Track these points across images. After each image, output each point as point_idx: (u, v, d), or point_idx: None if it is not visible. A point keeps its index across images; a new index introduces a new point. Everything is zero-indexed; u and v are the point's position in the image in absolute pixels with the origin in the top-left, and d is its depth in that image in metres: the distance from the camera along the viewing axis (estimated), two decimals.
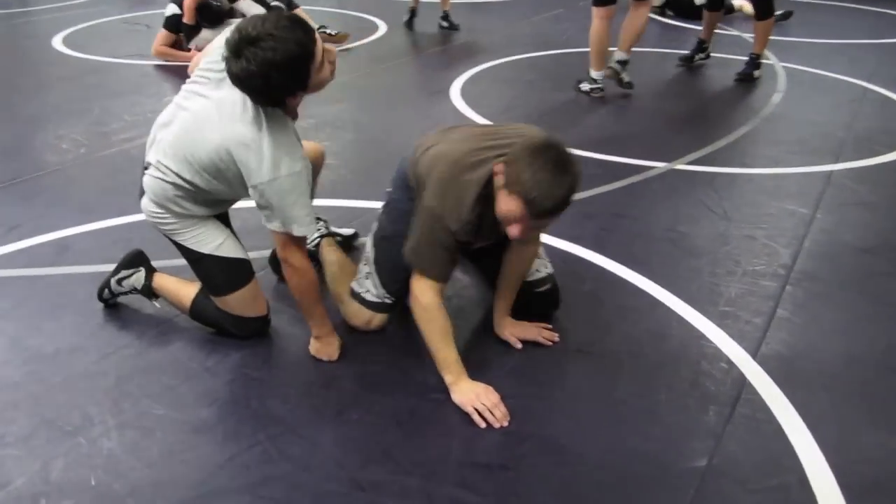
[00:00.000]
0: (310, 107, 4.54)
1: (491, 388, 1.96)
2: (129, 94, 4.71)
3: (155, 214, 2.10)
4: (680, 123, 4.33)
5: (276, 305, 2.35)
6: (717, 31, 5.64)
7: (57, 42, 6.14)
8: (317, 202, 2.69)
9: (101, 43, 6.06)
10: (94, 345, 2.22)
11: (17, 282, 2.57)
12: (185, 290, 2.25)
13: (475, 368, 2.04)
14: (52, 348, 2.21)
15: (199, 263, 2.14)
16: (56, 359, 2.16)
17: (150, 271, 2.34)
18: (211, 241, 2.10)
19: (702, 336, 2.28)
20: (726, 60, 5.70)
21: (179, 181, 2.00)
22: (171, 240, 2.15)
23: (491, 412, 1.90)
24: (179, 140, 1.97)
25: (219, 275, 2.13)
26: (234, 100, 1.88)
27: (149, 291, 2.31)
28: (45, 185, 3.36)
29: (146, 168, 2.09)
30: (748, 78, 5.11)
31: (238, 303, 2.15)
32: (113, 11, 7.46)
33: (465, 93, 4.79)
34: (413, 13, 6.85)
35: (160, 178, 2.03)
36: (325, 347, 2.14)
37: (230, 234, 2.17)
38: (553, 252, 2.76)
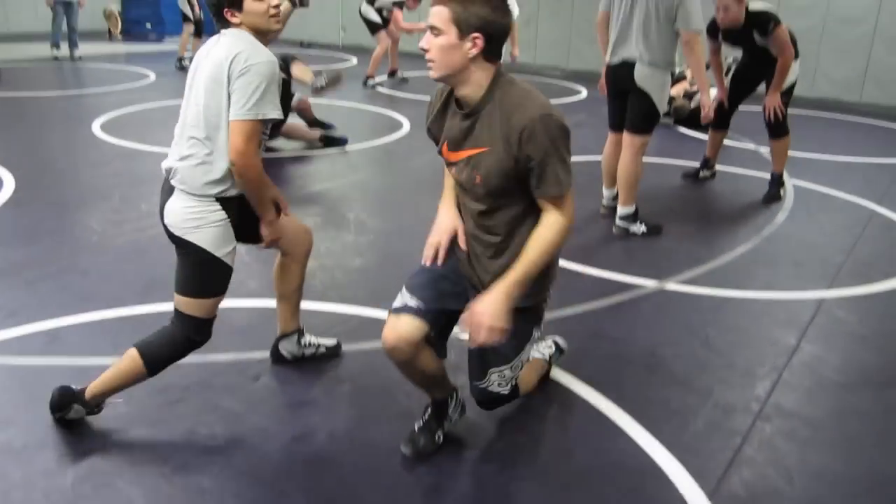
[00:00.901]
0: (319, 205, 4.71)
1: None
2: (150, 183, 4.92)
3: (185, 212, 2.20)
4: (679, 240, 4.36)
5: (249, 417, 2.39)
6: (729, 142, 5.73)
7: (96, 126, 6.49)
8: (305, 305, 2.79)
9: (136, 129, 6.40)
10: (60, 442, 2.28)
11: (4, 370, 2.67)
12: (126, 364, 2.26)
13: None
14: (21, 442, 2.27)
15: (206, 266, 2.23)
16: (22, 454, 2.22)
17: (80, 395, 2.31)
18: (225, 245, 2.25)
19: (660, 472, 2.26)
20: (734, 175, 5.78)
21: (206, 142, 2.18)
22: (184, 245, 2.23)
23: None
24: (198, 107, 2.19)
25: (217, 279, 2.27)
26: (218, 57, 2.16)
27: (92, 408, 2.34)
28: (52, 272, 3.51)
29: (174, 168, 2.22)
30: (775, 198, 5.13)
31: (212, 306, 2.29)
32: (155, 97, 7.90)
33: None
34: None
35: (191, 155, 2.19)
36: (272, 227, 2.38)
37: (235, 246, 2.31)
38: None
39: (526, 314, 2.06)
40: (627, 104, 4.27)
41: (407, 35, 9.51)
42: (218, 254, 2.23)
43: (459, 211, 2.16)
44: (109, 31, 14.19)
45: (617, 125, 4.47)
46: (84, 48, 11.26)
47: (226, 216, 2.23)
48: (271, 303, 2.83)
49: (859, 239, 4.46)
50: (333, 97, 6.66)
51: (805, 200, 5.21)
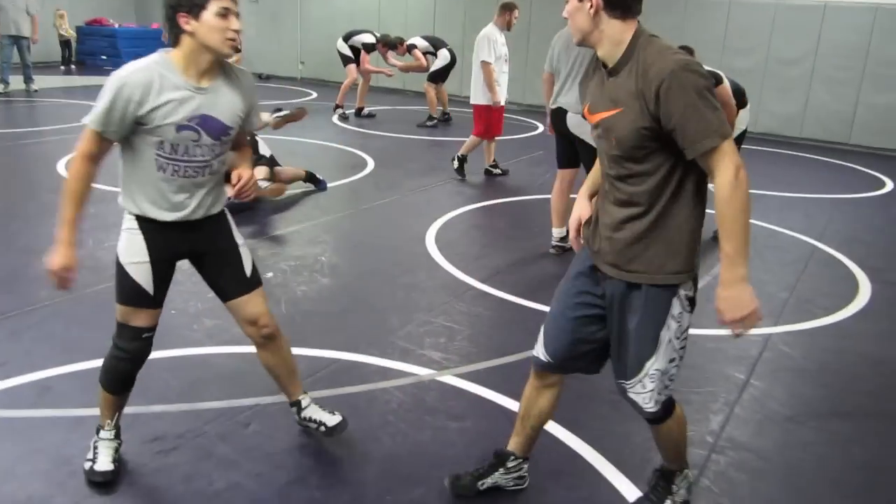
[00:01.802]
0: (292, 248, 4.85)
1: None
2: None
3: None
4: None
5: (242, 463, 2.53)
6: None
7: (61, 166, 6.52)
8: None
9: (104, 167, 6.43)
10: (62, 493, 2.39)
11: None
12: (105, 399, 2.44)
13: None
14: (25, 495, 2.37)
15: (117, 268, 2.33)
16: None
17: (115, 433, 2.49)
18: (130, 255, 2.32)
19: None
20: None
21: None
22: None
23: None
24: None
25: (121, 286, 2.33)
26: None
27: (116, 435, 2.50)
28: (34, 321, 3.59)
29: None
30: None
31: (123, 313, 2.36)
32: None
33: (440, 239, 5.13)
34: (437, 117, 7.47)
35: None
36: (54, 254, 2.21)
37: (147, 264, 2.36)
38: (498, 410, 2.97)
39: (662, 291, 1.96)
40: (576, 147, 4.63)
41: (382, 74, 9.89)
42: (122, 259, 2.29)
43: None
44: (62, 40, 14.17)
45: (564, 163, 4.83)
46: (39, 80, 11.21)
47: (136, 227, 2.31)
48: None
49: (802, 275, 4.79)
50: (300, 130, 6.83)
51: (754, 237, 5.52)
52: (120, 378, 2.41)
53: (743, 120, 5.41)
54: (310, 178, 6.24)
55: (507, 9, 6.71)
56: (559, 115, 4.71)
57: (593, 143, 4.42)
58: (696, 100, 1.74)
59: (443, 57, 9.57)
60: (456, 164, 6.92)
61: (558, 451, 2.75)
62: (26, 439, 2.66)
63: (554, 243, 4.99)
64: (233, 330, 3.50)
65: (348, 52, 9.82)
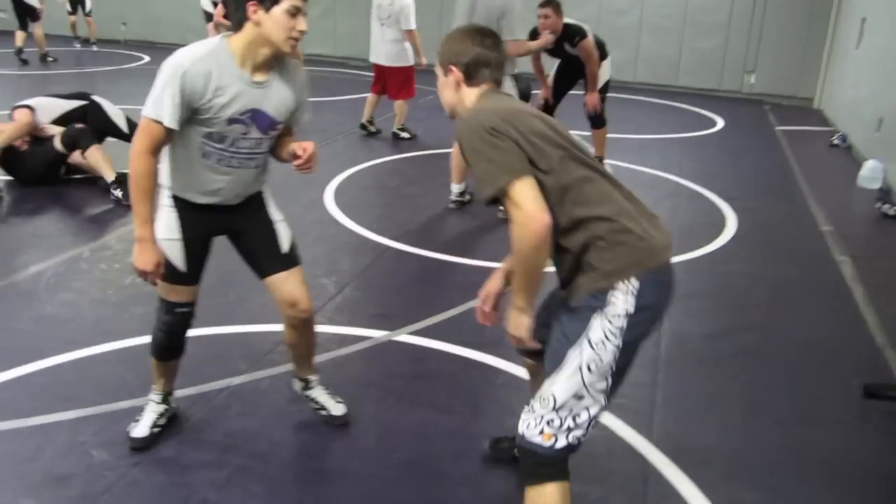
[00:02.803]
0: None
1: None
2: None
3: None
4: None
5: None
6: None
7: None
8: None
9: None
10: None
11: None
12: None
13: None
14: None
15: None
16: None
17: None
18: (164, 231, 2.29)
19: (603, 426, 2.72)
20: None
21: None
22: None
23: None
24: None
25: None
26: None
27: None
28: None
29: None
30: None
31: (163, 290, 2.38)
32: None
33: (340, 202, 5.12)
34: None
35: None
36: (140, 254, 2.17)
37: (180, 241, 2.34)
38: (464, 361, 3.12)
39: (572, 314, 1.78)
40: None
41: None
42: (157, 235, 2.23)
43: None
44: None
45: None
46: None
47: (172, 204, 2.29)
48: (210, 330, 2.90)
49: (677, 209, 5.31)
50: None
51: (623, 178, 6.00)
52: (162, 346, 2.47)
53: (606, 70, 5.80)
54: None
55: None
56: None
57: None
58: (470, 152, 1.77)
59: None
60: (403, 135, 7.03)
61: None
62: None
63: (453, 198, 5.14)
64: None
65: (210, 9, 9.33)
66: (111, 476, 2.35)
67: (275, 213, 2.46)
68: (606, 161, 6.18)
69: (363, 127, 7.17)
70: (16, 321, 3.35)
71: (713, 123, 8.63)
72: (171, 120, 2.07)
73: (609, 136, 6.04)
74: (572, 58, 5.57)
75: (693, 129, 8.25)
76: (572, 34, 5.41)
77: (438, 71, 2.03)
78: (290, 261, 2.45)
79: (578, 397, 1.75)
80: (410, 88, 6.82)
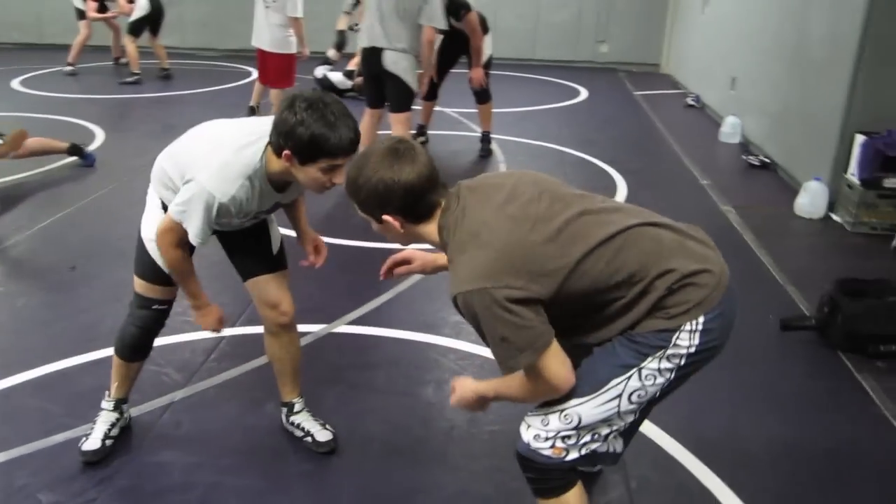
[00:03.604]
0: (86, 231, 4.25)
1: None
2: None
3: None
4: None
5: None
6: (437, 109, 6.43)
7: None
8: None
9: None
10: None
11: None
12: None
13: None
14: None
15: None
16: None
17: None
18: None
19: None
20: (445, 137, 6.54)
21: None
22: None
23: None
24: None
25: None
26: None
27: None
28: None
29: None
30: (489, 152, 6.04)
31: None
32: None
33: None
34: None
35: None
36: (204, 317, 2.25)
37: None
38: (411, 344, 3.08)
39: (629, 345, 1.60)
40: (385, 88, 4.74)
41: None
42: (143, 234, 2.25)
43: None
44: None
45: (373, 103, 4.96)
46: None
47: (161, 206, 2.22)
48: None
49: (567, 175, 5.48)
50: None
51: (510, 150, 6.15)
52: (129, 343, 2.36)
53: (488, 45, 5.86)
54: (73, 150, 5.43)
55: None
56: (374, 55, 4.71)
57: (409, 82, 4.66)
58: (481, 327, 1.55)
59: (140, 6, 8.70)
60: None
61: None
62: None
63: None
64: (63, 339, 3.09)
65: (81, 6, 9.02)
66: None
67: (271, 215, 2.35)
68: (493, 135, 6.27)
69: (252, 111, 6.84)
70: None
71: (577, 93, 8.97)
72: (196, 238, 2.02)
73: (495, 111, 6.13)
74: (455, 34, 5.58)
75: (560, 99, 8.54)
76: (457, 7, 5.41)
77: (366, 217, 1.67)
78: (277, 264, 2.34)
79: (605, 421, 1.63)
80: (290, 77, 6.55)
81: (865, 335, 3.11)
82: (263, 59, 6.52)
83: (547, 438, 1.64)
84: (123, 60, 9.56)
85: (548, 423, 1.64)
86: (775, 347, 3.21)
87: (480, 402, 1.75)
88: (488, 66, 5.88)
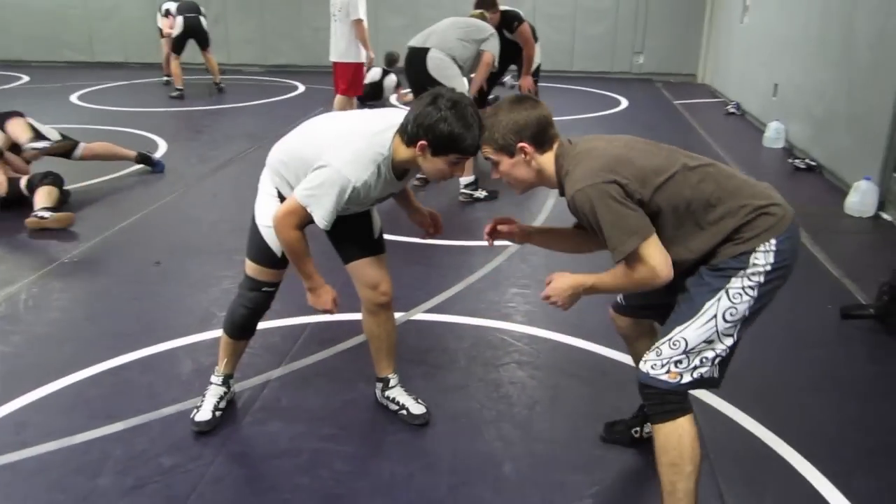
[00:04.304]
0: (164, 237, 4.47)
1: None
2: None
3: None
4: (512, 205, 5.09)
5: None
6: None
7: None
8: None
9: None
10: None
11: None
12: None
13: None
14: None
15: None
16: None
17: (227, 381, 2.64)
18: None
19: None
20: None
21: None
22: None
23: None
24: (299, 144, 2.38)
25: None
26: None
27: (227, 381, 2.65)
28: None
29: None
30: None
31: None
32: None
33: None
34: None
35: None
36: (318, 297, 2.33)
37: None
38: (486, 331, 3.23)
39: (713, 271, 1.86)
40: None
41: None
42: (258, 221, 2.42)
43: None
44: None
45: None
46: None
47: (276, 195, 2.40)
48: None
49: None
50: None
51: None
52: (238, 323, 2.52)
53: (538, 54, 6.04)
54: (142, 158, 5.71)
55: None
56: (418, 57, 4.90)
57: (457, 88, 4.83)
58: (596, 217, 1.82)
59: (176, 24, 9.02)
60: None
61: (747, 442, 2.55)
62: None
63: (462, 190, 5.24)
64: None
65: (161, 24, 9.54)
66: (191, 477, 2.30)
67: None
68: None
69: None
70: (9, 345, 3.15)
71: (617, 102, 9.11)
72: (324, 221, 2.15)
73: None
74: (506, 44, 5.75)
75: (601, 108, 8.69)
76: (510, 20, 5.60)
77: (499, 156, 1.98)
78: (377, 247, 2.51)
79: (709, 342, 1.87)
80: (357, 86, 6.56)
81: None
82: (335, 70, 6.59)
83: (663, 365, 1.89)
84: (167, 77, 9.89)
85: (661, 353, 1.90)
86: (837, 335, 3.31)
87: (574, 296, 1.95)
88: (537, 74, 6.05)
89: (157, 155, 6.24)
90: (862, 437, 2.56)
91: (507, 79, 7.35)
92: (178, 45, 9.11)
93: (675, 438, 1.90)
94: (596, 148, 1.92)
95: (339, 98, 6.60)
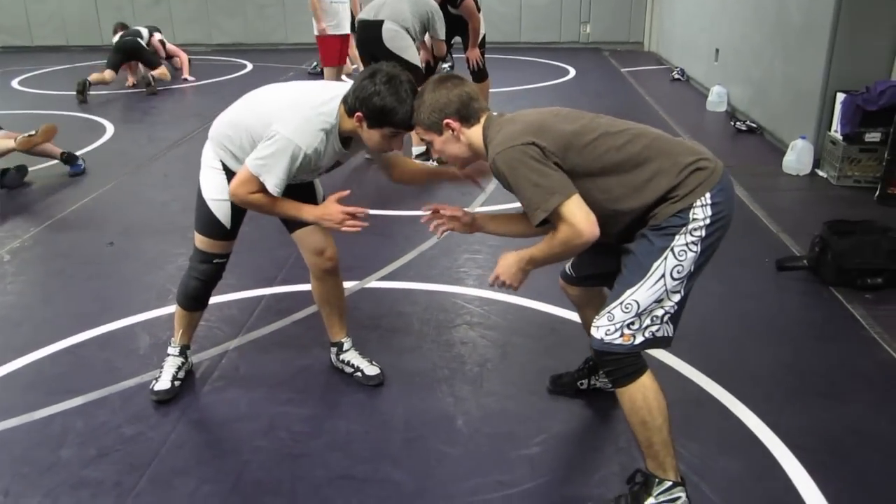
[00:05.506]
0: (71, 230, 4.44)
1: None
2: None
3: None
4: None
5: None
6: None
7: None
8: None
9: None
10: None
11: None
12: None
13: None
14: None
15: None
16: None
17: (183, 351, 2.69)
18: None
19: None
20: None
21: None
22: None
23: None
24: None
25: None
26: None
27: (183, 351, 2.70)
28: None
29: None
30: None
31: None
32: None
33: None
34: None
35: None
36: (328, 216, 2.25)
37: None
38: (438, 295, 3.32)
39: (656, 231, 1.90)
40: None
41: None
42: (205, 195, 2.47)
43: None
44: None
45: None
46: None
47: (221, 168, 2.44)
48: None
49: None
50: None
51: None
52: (192, 294, 2.58)
53: (482, 25, 6.09)
54: (67, 158, 5.30)
55: None
56: (372, 30, 4.93)
57: (410, 59, 4.90)
58: (514, 180, 1.89)
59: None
60: None
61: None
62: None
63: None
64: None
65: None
66: (153, 444, 2.36)
67: None
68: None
69: None
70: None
71: (565, 72, 9.23)
72: (276, 188, 2.21)
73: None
74: (451, 17, 5.80)
75: (550, 77, 8.80)
76: None
77: (430, 135, 2.07)
78: None
79: (658, 301, 1.91)
80: (329, 57, 6.45)
81: (854, 270, 3.39)
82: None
83: (616, 329, 1.93)
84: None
85: (613, 318, 1.93)
86: (773, 285, 3.48)
87: (521, 272, 2.03)
88: (483, 45, 6.10)
89: (104, 138, 6.17)
90: (792, 380, 2.73)
91: (446, 66, 7.38)
92: (112, 62, 8.26)
93: (641, 398, 1.95)
94: (518, 115, 2.01)
95: (327, 70, 6.55)
